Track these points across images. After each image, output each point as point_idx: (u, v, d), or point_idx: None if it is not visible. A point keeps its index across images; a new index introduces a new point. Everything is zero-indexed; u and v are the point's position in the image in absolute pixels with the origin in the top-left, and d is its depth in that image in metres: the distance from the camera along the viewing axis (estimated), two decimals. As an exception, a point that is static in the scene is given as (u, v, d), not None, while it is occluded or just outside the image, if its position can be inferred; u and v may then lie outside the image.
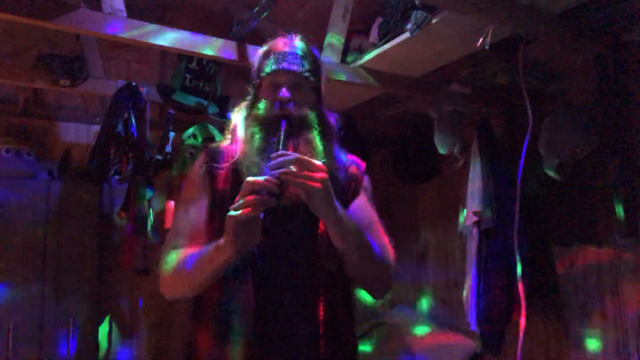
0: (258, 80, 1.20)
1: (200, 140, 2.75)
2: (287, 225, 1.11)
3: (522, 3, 1.55)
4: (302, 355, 1.07)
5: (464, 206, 2.35)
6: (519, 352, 1.79)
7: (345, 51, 2.19)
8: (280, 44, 1.21)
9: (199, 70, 2.56)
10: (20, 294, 2.45)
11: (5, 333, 2.36)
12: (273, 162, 0.95)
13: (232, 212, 0.92)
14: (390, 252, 1.15)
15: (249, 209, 0.90)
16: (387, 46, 1.93)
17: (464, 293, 2.31)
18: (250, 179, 0.94)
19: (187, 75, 2.54)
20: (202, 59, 2.53)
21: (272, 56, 1.18)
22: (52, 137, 2.85)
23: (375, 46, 2.05)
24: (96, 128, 2.73)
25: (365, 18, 2.29)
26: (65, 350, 2.50)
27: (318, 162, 0.98)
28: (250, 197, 0.91)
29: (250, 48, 1.98)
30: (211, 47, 1.89)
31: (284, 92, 1.12)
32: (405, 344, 2.79)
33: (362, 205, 1.20)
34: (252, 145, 1.11)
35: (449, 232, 2.87)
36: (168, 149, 2.66)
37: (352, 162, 1.27)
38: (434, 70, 2.13)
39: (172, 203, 2.87)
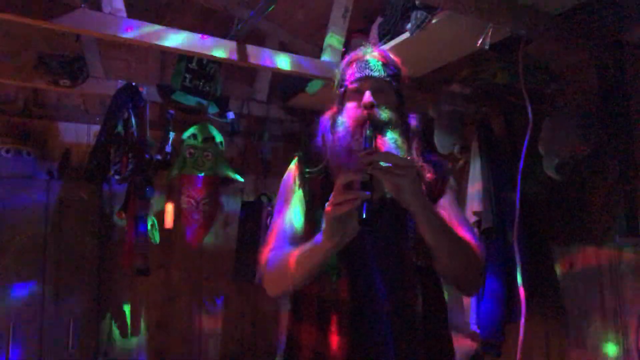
0: (342, 89, 1.28)
1: (200, 140, 2.75)
2: (377, 221, 1.16)
3: (522, 3, 1.55)
4: (398, 348, 1.11)
5: (464, 206, 2.35)
6: (518, 352, 1.79)
7: (345, 51, 2.19)
8: (361, 52, 1.29)
9: (199, 70, 2.57)
10: (20, 294, 2.44)
11: (5, 333, 2.36)
12: (362, 159, 1.01)
13: (328, 208, 0.98)
14: (478, 249, 1.19)
15: (345, 203, 0.95)
16: (387, 46, 1.93)
17: (464, 293, 2.31)
18: (343, 174, 1.00)
19: (187, 75, 2.55)
20: (202, 59, 2.53)
21: (355, 64, 1.26)
22: (52, 137, 2.85)
23: (375, 46, 2.04)
24: (96, 128, 2.73)
25: (365, 18, 2.29)
26: (65, 350, 2.50)
27: (405, 158, 1.06)
28: (344, 193, 0.96)
29: (250, 48, 1.98)
30: (212, 47, 1.89)
31: (368, 97, 1.17)
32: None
33: (449, 204, 1.26)
34: (340, 149, 1.18)
35: (449, 232, 2.86)
36: (168, 149, 2.66)
37: (437, 161, 1.32)
38: (434, 70, 2.13)
39: (172, 203, 2.86)
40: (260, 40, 2.60)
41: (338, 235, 1.00)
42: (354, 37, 2.28)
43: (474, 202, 2.25)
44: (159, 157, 2.61)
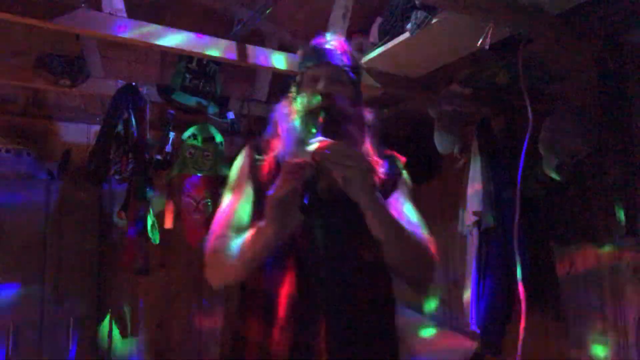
0: (299, 75, 1.25)
1: (200, 140, 2.75)
2: (326, 215, 1.13)
3: (522, 3, 1.55)
4: (344, 343, 1.09)
5: (464, 206, 2.35)
6: (518, 352, 1.79)
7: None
8: (320, 40, 1.27)
9: (199, 70, 2.57)
10: (20, 294, 2.44)
11: (5, 333, 2.36)
12: (313, 147, 0.97)
13: (271, 192, 0.96)
14: (430, 245, 1.16)
15: (286, 182, 0.94)
16: (387, 46, 1.92)
17: (464, 293, 2.31)
18: (288, 160, 0.98)
19: (187, 75, 2.55)
20: (202, 59, 2.53)
21: (312, 52, 1.24)
22: (52, 137, 2.85)
23: (375, 46, 2.04)
24: (96, 128, 2.73)
25: (365, 18, 2.29)
26: (65, 351, 2.50)
27: (355, 151, 1.02)
28: (288, 177, 0.94)
29: (250, 48, 1.98)
30: (211, 47, 1.89)
31: (324, 85, 1.15)
32: (405, 344, 2.79)
33: (402, 199, 1.23)
34: (292, 137, 1.15)
35: (449, 232, 2.87)
36: (168, 149, 2.66)
37: (390, 155, 1.30)
38: (434, 70, 2.13)
39: (172, 203, 2.86)
40: (260, 40, 2.59)
41: (279, 220, 0.97)
42: (354, 37, 2.28)
43: (474, 202, 2.25)
44: (159, 157, 2.61)
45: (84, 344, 2.57)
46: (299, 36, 2.73)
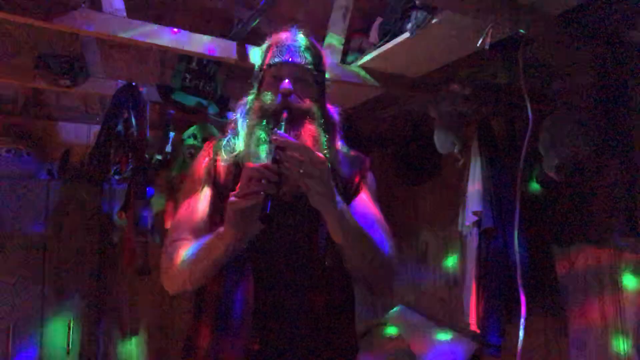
0: (260, 73, 1.20)
1: (200, 140, 2.75)
2: (287, 218, 1.10)
3: (522, 3, 1.55)
4: (300, 350, 1.07)
5: (464, 206, 2.35)
6: (519, 352, 1.79)
7: (345, 51, 2.19)
8: (282, 37, 1.21)
9: (199, 70, 2.57)
10: (20, 294, 2.45)
11: (5, 333, 2.36)
12: (273, 150, 0.94)
13: (232, 199, 0.92)
14: (391, 249, 1.13)
15: (249, 195, 0.90)
16: (387, 46, 1.92)
17: (464, 293, 2.32)
18: (249, 164, 0.94)
19: (187, 75, 2.54)
20: (202, 59, 2.53)
21: (274, 49, 1.18)
22: (52, 137, 2.85)
23: (375, 46, 2.04)
24: (96, 128, 2.73)
25: (365, 18, 2.29)
26: (65, 350, 2.50)
27: (318, 154, 0.96)
28: (250, 185, 0.91)
29: (250, 48, 1.98)
30: (211, 47, 1.89)
31: (286, 84, 1.10)
32: (405, 344, 2.79)
33: (365, 201, 1.19)
34: (253, 137, 1.11)
35: (449, 232, 2.87)
36: (168, 149, 2.66)
37: (355, 157, 1.26)
38: (434, 70, 2.13)
39: (172, 203, 2.86)
40: (260, 40, 2.60)
41: (240, 229, 0.94)
42: (354, 37, 2.28)
43: (474, 202, 2.25)
44: (159, 157, 2.61)
45: (84, 344, 2.57)
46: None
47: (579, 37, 1.72)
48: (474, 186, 2.27)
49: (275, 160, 0.93)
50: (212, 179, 1.17)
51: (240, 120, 1.19)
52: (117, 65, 2.72)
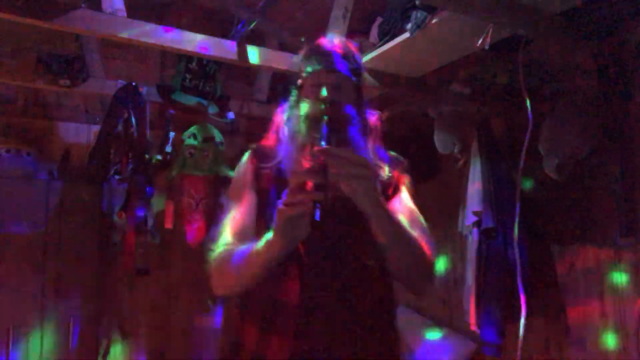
0: (300, 81, 1.23)
1: (200, 140, 2.75)
2: (331, 220, 1.11)
3: (522, 3, 1.55)
4: (345, 349, 1.09)
5: (464, 206, 2.35)
6: (519, 352, 1.79)
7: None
8: (322, 44, 1.24)
9: (199, 70, 2.57)
10: (20, 294, 2.45)
11: (5, 333, 2.37)
12: (317, 157, 0.97)
13: (281, 207, 0.94)
14: (431, 248, 1.16)
15: (298, 204, 0.92)
16: (387, 46, 1.92)
17: (464, 293, 2.31)
18: (296, 173, 0.97)
19: (187, 75, 2.55)
20: (202, 59, 2.53)
21: (313, 57, 1.21)
22: (52, 137, 2.85)
23: (375, 46, 2.04)
24: (96, 128, 2.73)
25: (365, 18, 2.29)
26: (65, 350, 2.50)
27: (361, 157, 1.00)
28: (298, 193, 0.93)
29: (250, 48, 1.98)
30: (211, 47, 1.89)
31: (327, 92, 1.13)
32: (405, 344, 2.79)
33: (404, 202, 1.23)
34: (295, 144, 1.14)
35: (449, 232, 2.87)
36: (168, 149, 2.66)
37: (394, 159, 1.30)
38: (434, 70, 2.13)
39: (172, 203, 2.86)
40: (260, 40, 2.60)
41: (289, 236, 0.97)
42: (354, 37, 2.28)
43: (474, 202, 2.25)
44: (159, 157, 2.61)
45: (84, 344, 2.57)
46: (299, 36, 2.73)
47: (579, 37, 1.72)
48: (474, 186, 2.27)
49: (320, 167, 0.95)
50: (256, 184, 1.22)
51: (282, 128, 1.23)
52: (117, 65, 2.72)
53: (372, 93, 2.40)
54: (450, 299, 2.87)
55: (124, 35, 1.71)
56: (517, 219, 1.85)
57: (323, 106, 1.12)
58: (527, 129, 1.76)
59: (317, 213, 0.91)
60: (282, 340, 1.08)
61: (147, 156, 2.49)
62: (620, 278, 1.92)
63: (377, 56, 2.00)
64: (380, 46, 1.98)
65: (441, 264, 2.95)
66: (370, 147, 1.20)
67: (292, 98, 1.25)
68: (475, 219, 2.24)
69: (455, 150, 2.36)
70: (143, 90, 2.48)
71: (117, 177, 2.46)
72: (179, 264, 3.03)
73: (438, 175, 3.02)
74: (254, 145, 1.32)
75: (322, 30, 2.15)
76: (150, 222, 2.59)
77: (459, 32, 1.71)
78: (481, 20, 1.57)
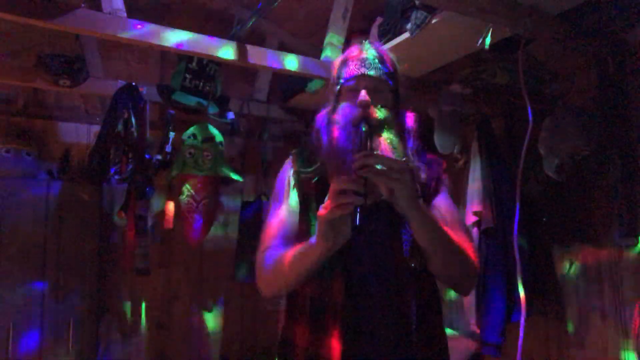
0: (337, 87, 1.25)
1: (200, 140, 2.75)
2: (372, 223, 1.15)
3: (522, 3, 1.55)
4: (392, 350, 1.11)
5: (464, 206, 2.35)
6: (519, 352, 1.79)
7: (343, 50, 2.19)
8: (357, 50, 1.27)
9: (199, 70, 2.56)
10: (20, 294, 2.44)
11: (5, 333, 2.36)
12: (357, 162, 0.99)
13: (322, 212, 0.98)
14: (472, 249, 1.19)
15: (338, 208, 0.95)
16: (387, 46, 1.92)
17: (464, 293, 2.31)
18: (337, 179, 0.99)
19: (187, 75, 2.54)
20: (202, 59, 2.52)
21: (349, 63, 1.24)
22: (52, 137, 2.85)
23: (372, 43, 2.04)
24: (96, 128, 2.73)
25: (365, 18, 2.29)
26: (65, 350, 2.50)
27: (400, 161, 1.03)
28: (339, 197, 0.95)
29: (250, 48, 1.98)
30: (211, 47, 1.89)
31: (364, 96, 1.15)
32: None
33: (444, 203, 1.25)
34: (335, 149, 1.16)
35: (449, 232, 2.87)
36: (168, 149, 2.66)
37: (432, 160, 1.31)
38: (434, 70, 2.13)
39: (172, 203, 2.86)
40: (260, 40, 2.60)
41: (331, 239, 1.00)
42: (354, 37, 2.28)
43: (474, 202, 2.25)
44: (159, 157, 2.61)
45: (84, 344, 2.57)
46: (299, 36, 2.73)
47: (579, 37, 1.72)
48: (474, 186, 2.27)
49: (359, 172, 0.97)
50: (298, 188, 1.25)
51: (321, 133, 1.24)
52: (117, 65, 2.72)
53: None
54: (451, 299, 2.87)
55: (124, 35, 1.71)
56: (517, 219, 1.86)
57: (361, 110, 1.14)
58: (527, 129, 1.76)
59: (358, 217, 0.94)
60: (333, 339, 1.11)
61: (147, 156, 2.49)
62: (620, 279, 1.92)
63: (377, 56, 2.00)
64: (379, 43, 1.97)
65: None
66: (410, 149, 1.21)
67: (332, 103, 1.26)
68: (475, 219, 2.24)
69: (455, 150, 2.36)
70: (143, 90, 2.48)
71: (117, 177, 2.46)
72: (179, 264, 3.03)
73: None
74: (294, 150, 1.35)
75: (322, 30, 2.15)
76: (150, 222, 2.59)
77: (459, 32, 1.71)
78: (481, 20, 1.57)
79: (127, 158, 2.42)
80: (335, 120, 1.20)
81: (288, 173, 1.30)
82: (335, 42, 2.10)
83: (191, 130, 2.76)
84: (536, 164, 2.00)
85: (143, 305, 2.94)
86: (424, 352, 1.14)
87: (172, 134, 2.67)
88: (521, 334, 1.81)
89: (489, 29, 1.61)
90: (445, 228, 1.11)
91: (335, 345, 1.10)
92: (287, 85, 2.80)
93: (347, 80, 1.22)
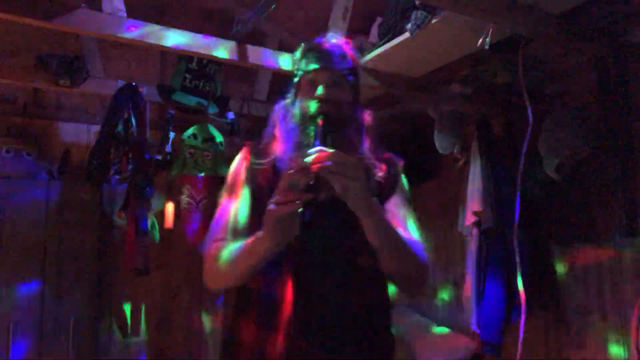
0: (296, 79, 1.23)
1: (200, 140, 2.76)
2: (324, 220, 1.12)
3: (522, 3, 1.55)
4: (338, 348, 1.09)
5: (464, 206, 2.35)
6: (519, 352, 1.79)
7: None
8: (318, 43, 1.24)
9: (199, 70, 2.56)
10: (20, 294, 2.44)
11: (5, 333, 2.36)
12: (310, 157, 0.97)
13: (271, 207, 0.94)
14: (425, 251, 1.16)
15: (287, 203, 0.93)
16: (387, 46, 1.92)
17: (464, 293, 2.32)
18: (287, 173, 0.96)
19: (187, 75, 2.54)
20: (202, 59, 2.53)
21: (309, 55, 1.21)
22: (52, 137, 2.85)
23: (375, 46, 2.04)
24: (96, 128, 2.74)
25: (365, 18, 2.29)
26: (65, 350, 2.50)
27: (354, 158, 0.99)
28: (288, 192, 0.93)
29: (250, 48, 1.98)
30: (212, 47, 1.89)
31: (323, 90, 1.14)
32: (405, 344, 2.79)
33: (398, 203, 1.23)
34: (290, 143, 1.14)
35: (449, 232, 2.87)
36: (168, 149, 2.67)
37: (389, 159, 1.29)
38: (434, 70, 2.13)
39: (172, 203, 2.87)
40: (260, 40, 2.60)
41: (279, 235, 0.97)
42: (354, 37, 2.28)
43: (473, 202, 2.25)
44: (159, 157, 2.61)
45: (84, 344, 2.57)
46: (299, 36, 2.73)
47: (579, 37, 1.72)
48: (474, 186, 2.27)
49: (311, 167, 0.95)
50: (251, 181, 1.21)
51: (277, 125, 1.23)
52: (117, 65, 2.72)
53: (372, 93, 2.40)
54: (451, 299, 2.87)
55: (124, 35, 1.71)
56: (517, 219, 1.86)
57: (318, 104, 1.12)
58: (527, 129, 1.76)
59: (307, 214, 0.92)
60: (278, 337, 1.08)
61: (147, 156, 2.49)
62: (620, 278, 1.92)
63: (377, 56, 2.00)
64: (380, 46, 1.98)
65: (449, 262, 2.94)
66: (366, 147, 1.19)
67: (289, 95, 1.25)
68: (475, 219, 2.24)
69: (455, 150, 2.36)
70: (143, 90, 2.48)
71: (117, 177, 2.46)
72: (179, 264, 3.03)
73: (438, 175, 3.02)
74: (250, 142, 1.32)
75: (322, 30, 2.14)
76: (150, 222, 2.59)
77: (459, 32, 1.71)
78: (481, 20, 1.57)
79: (127, 158, 2.42)
80: (292, 113, 1.18)
81: (241, 164, 1.26)
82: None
83: (191, 130, 2.76)
84: (536, 164, 2.00)
85: (143, 305, 2.94)
86: (368, 351, 1.12)
87: (172, 134, 2.68)
88: (521, 334, 1.81)
89: (489, 29, 1.61)
90: (397, 228, 1.08)
91: (281, 342, 1.07)
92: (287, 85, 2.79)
93: (306, 72, 1.19)
